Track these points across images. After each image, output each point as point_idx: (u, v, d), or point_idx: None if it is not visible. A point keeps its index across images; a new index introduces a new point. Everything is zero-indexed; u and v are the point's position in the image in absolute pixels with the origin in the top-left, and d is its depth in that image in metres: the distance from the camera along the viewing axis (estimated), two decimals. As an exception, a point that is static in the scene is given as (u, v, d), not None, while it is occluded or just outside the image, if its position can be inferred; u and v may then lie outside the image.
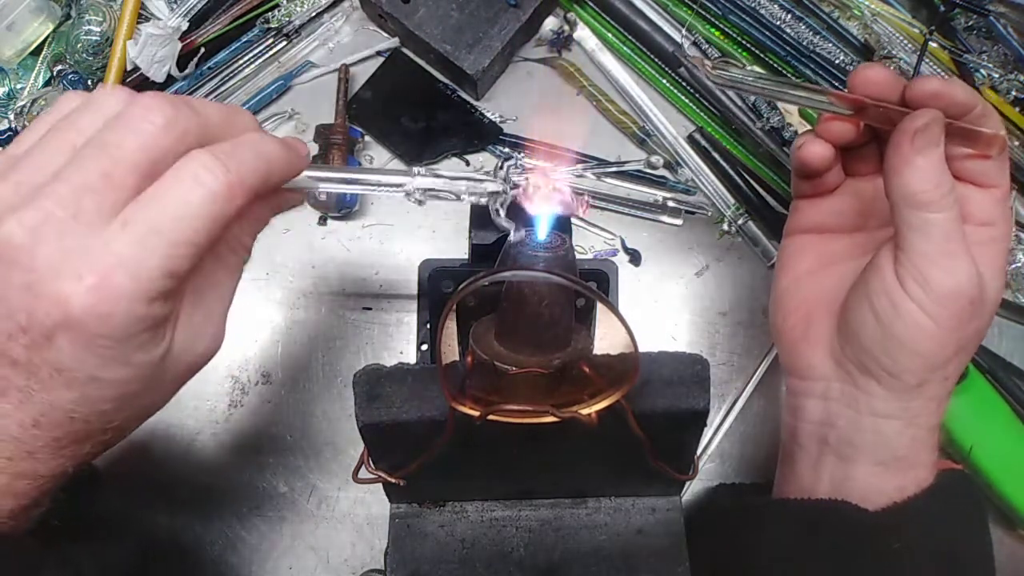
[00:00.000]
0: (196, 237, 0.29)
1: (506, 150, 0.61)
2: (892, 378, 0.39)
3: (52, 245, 0.27)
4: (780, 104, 0.61)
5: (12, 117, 0.59)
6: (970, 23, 0.63)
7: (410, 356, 0.58)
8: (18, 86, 0.60)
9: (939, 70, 0.62)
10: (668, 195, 0.61)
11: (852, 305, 0.41)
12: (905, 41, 0.62)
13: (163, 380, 0.33)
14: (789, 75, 0.62)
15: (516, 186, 0.36)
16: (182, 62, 0.60)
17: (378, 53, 0.63)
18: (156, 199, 0.29)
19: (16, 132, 0.59)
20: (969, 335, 0.39)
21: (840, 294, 0.43)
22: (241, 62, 0.62)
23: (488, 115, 0.62)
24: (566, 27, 0.62)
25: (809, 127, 0.60)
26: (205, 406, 0.57)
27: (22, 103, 0.59)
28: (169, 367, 0.32)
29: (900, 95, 0.39)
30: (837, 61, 0.62)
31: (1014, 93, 0.61)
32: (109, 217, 0.28)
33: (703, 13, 0.62)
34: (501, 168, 0.36)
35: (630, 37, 0.62)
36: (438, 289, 0.46)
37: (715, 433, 0.57)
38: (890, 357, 0.39)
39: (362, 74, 0.63)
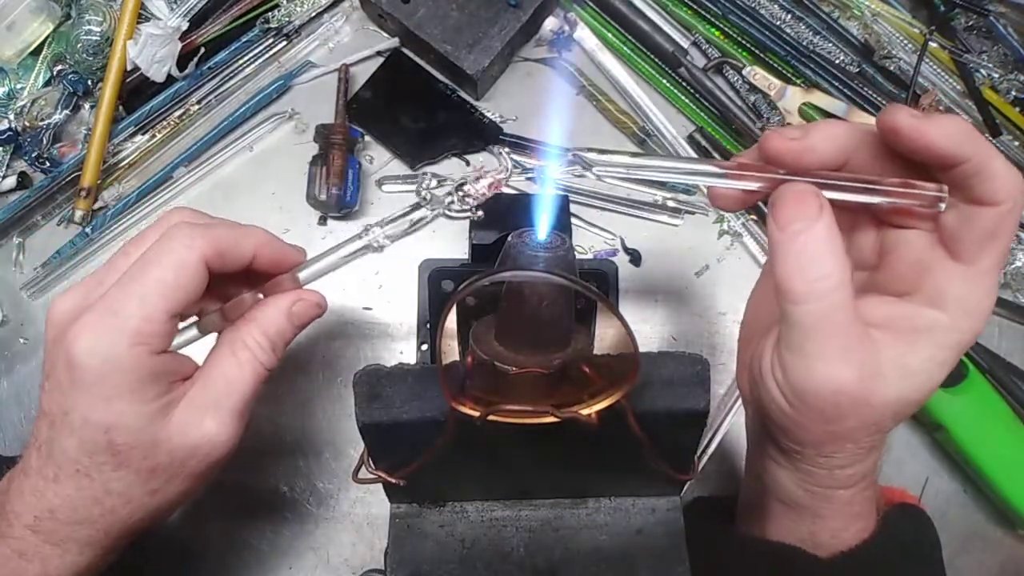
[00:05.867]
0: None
1: (506, 150, 0.61)
2: (774, 434, 0.38)
3: None
4: (780, 104, 0.61)
5: (12, 117, 0.59)
6: (970, 23, 0.63)
7: (410, 356, 0.58)
8: (18, 86, 0.60)
9: (940, 70, 0.62)
10: (668, 195, 0.61)
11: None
12: (905, 41, 0.62)
13: (163, 463, 0.38)
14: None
15: None
16: (182, 62, 0.60)
17: (378, 53, 0.63)
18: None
19: (16, 132, 0.59)
20: (847, 430, 0.34)
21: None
22: (241, 62, 0.62)
23: (488, 115, 0.62)
24: (566, 27, 0.62)
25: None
26: (205, 406, 0.57)
27: (22, 103, 0.59)
28: (169, 443, 0.37)
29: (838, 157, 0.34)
30: (837, 61, 0.62)
31: (1014, 93, 0.61)
32: None
33: (703, 13, 0.62)
34: None
35: (630, 37, 0.63)
36: (438, 289, 0.46)
37: (715, 433, 0.57)
38: (766, 416, 0.37)
39: (362, 74, 0.63)
